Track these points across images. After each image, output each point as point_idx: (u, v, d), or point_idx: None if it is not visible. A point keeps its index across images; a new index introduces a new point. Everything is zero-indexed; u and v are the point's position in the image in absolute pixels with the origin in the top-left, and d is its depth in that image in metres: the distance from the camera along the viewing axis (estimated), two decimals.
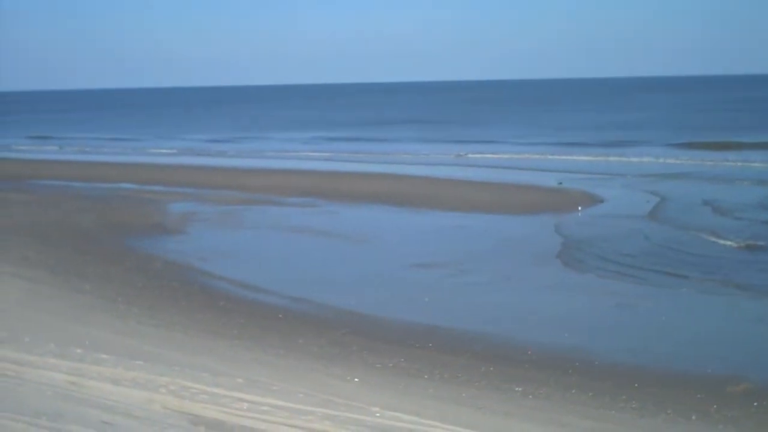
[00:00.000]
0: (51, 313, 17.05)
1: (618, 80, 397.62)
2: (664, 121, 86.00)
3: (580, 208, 31.75)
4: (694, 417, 12.46)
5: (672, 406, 12.81)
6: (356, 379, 13.66)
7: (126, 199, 35.35)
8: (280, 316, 17.83)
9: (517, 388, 13.55)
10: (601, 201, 33.37)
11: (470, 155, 56.42)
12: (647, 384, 13.78)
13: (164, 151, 66.72)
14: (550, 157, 53.85)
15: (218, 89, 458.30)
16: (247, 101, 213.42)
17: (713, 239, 25.47)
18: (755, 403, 12.95)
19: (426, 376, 14.04)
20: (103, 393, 11.56)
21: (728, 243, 24.92)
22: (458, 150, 60.32)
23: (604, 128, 77.07)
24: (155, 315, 17.43)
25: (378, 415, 11.46)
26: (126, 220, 29.57)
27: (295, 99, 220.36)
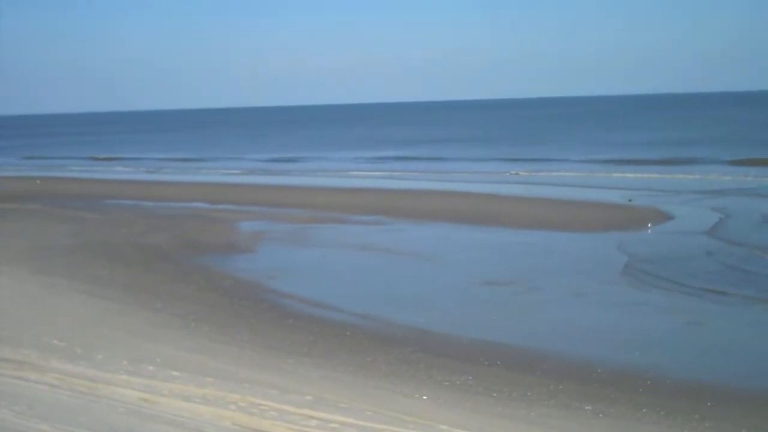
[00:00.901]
0: (124, 330, 17.32)
1: (665, 96, 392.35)
2: (721, 137, 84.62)
3: (649, 225, 31.37)
4: None
5: (747, 425, 12.59)
6: (424, 397, 13.65)
7: (197, 218, 35.78)
8: (348, 333, 17.89)
9: (587, 407, 13.42)
10: (671, 218, 32.93)
11: (533, 173, 56.04)
12: (721, 403, 13.56)
13: (231, 170, 67.40)
14: (614, 174, 53.24)
15: (271, 109, 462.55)
16: (305, 121, 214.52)
17: None
18: None
19: (494, 394, 13.97)
20: (174, 410, 11.72)
21: None
22: (521, 167, 60.12)
23: (661, 145, 76.02)
24: (225, 332, 17.60)
25: None
26: (197, 238, 29.93)
27: (352, 118, 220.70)
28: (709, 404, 13.47)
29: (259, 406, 12.14)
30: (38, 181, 57.25)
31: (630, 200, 38.15)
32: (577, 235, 30.00)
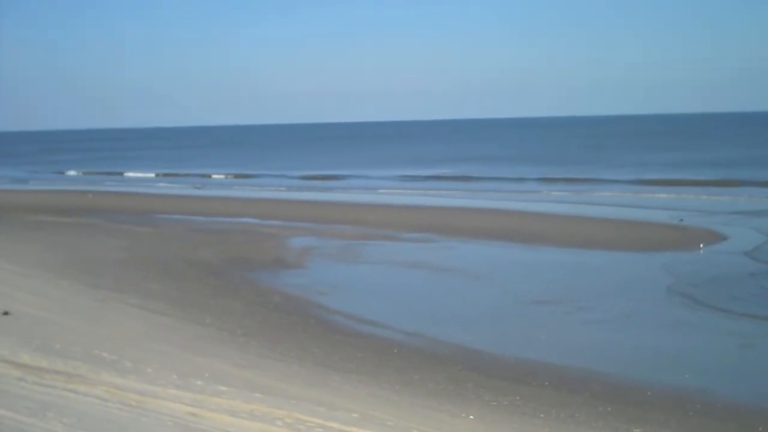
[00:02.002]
0: (173, 344, 17.46)
1: (704, 116, 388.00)
2: (763, 156, 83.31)
3: (702, 245, 31.01)
4: None
5: None
6: (471, 417, 13.60)
7: (246, 233, 36.03)
8: (396, 351, 17.89)
9: (635, 430, 13.30)
10: (723, 239, 32.54)
11: (580, 192, 55.61)
12: None
13: (278, 187, 67.83)
14: (660, 195, 52.65)
15: (299, 126, 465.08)
16: (338, 139, 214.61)
17: None
18: None
19: (542, 415, 13.88)
20: (221, 425, 11.77)
21: None
22: (567, 187, 59.88)
23: (705, 165, 74.88)
24: (274, 348, 17.68)
25: None
26: (246, 254, 30.13)
27: (384, 137, 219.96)
28: (760, 429, 13.28)
29: (306, 422, 12.16)
30: (90, 196, 58.03)
31: (681, 220, 37.75)
32: (627, 255, 29.75)
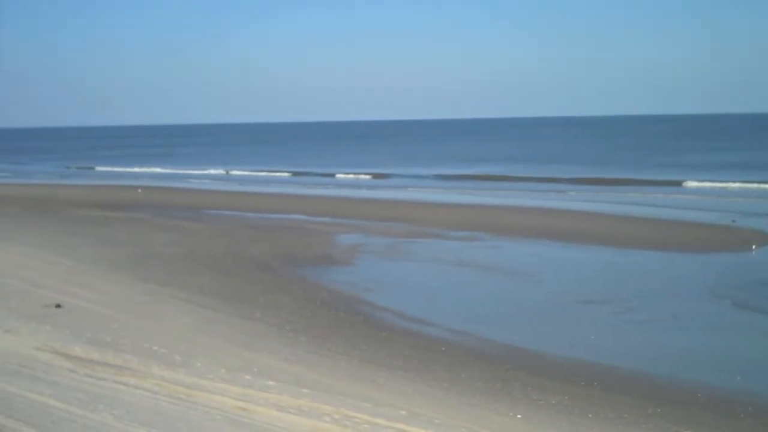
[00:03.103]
0: (222, 339, 17.59)
1: (739, 116, 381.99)
2: None
3: (754, 246, 30.60)
4: None
5: None
6: (519, 416, 13.54)
7: (295, 229, 36.17)
8: (443, 348, 17.86)
9: None
10: None
11: (628, 193, 55.06)
12: None
13: (325, 184, 68.06)
14: (710, 197, 51.88)
15: (334, 124, 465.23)
16: (377, 137, 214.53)
17: None
18: None
19: (590, 415, 13.79)
20: (269, 419, 11.84)
21: None
22: (616, 187, 59.40)
23: (753, 167, 73.57)
24: (322, 344, 17.74)
25: None
26: (295, 250, 30.25)
27: (416, 135, 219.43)
28: None
29: (353, 418, 12.19)
30: (139, 191, 58.64)
31: (733, 221, 37.26)
32: (677, 255, 29.42)
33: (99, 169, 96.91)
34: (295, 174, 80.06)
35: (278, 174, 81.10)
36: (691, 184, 60.25)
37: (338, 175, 76.94)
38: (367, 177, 74.78)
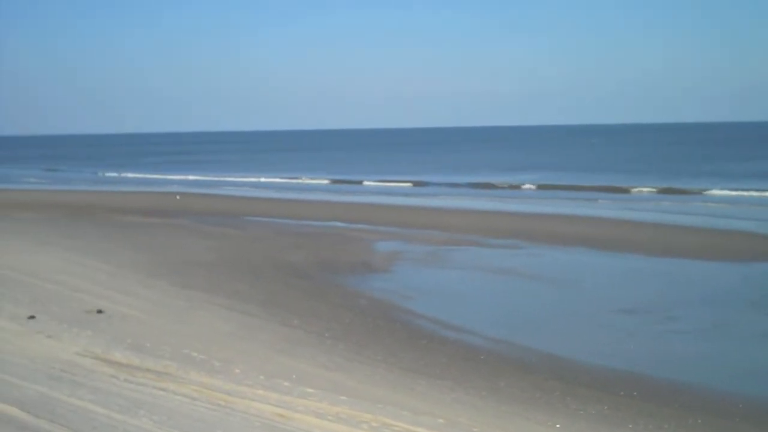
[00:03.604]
0: (261, 345, 17.65)
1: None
2: None
3: None
4: None
5: None
6: (558, 425, 13.46)
7: (333, 236, 36.23)
8: (482, 357, 17.80)
9: None
10: None
11: (670, 203, 54.53)
12: None
13: (364, 192, 68.10)
14: (748, 207, 51.20)
15: (371, 132, 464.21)
16: (414, 144, 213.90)
17: None
18: None
19: (630, 426, 13.68)
20: (308, 426, 11.85)
21: None
22: (659, 195, 58.97)
23: None
24: (360, 351, 17.74)
25: None
26: (333, 257, 30.29)
27: (468, 142, 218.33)
28: None
29: (392, 426, 12.17)
30: (178, 197, 59.03)
31: None
32: (718, 265, 29.13)
33: (130, 175, 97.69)
34: (333, 182, 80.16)
35: (316, 181, 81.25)
36: (716, 192, 59.57)
37: (376, 183, 76.92)
38: (408, 185, 74.64)
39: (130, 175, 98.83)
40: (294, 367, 15.84)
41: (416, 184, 75.12)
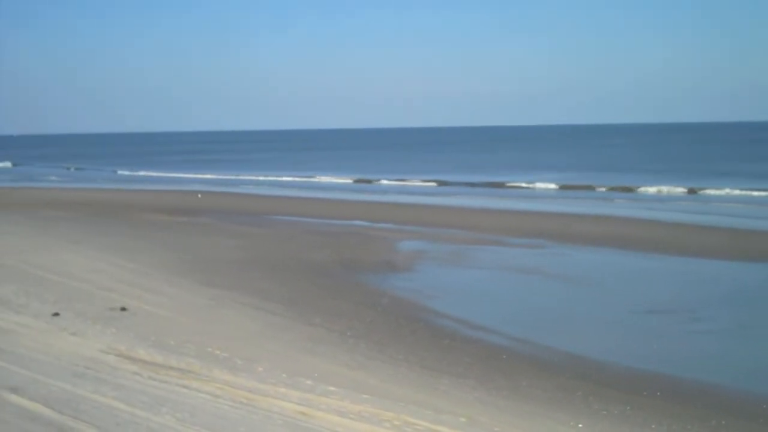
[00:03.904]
0: (283, 343, 17.71)
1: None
2: None
3: None
4: None
5: None
6: (580, 425, 13.43)
7: (357, 235, 36.27)
8: (505, 356, 17.79)
9: None
10: None
11: (691, 202, 54.16)
12: None
13: (387, 191, 68.10)
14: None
15: (387, 131, 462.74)
16: (439, 144, 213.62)
17: None
18: None
19: (653, 426, 13.63)
20: (329, 424, 11.89)
21: None
22: (680, 195, 58.72)
23: None
24: (382, 350, 17.77)
25: None
26: (357, 256, 30.34)
27: (485, 142, 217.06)
28: None
29: (413, 425, 12.19)
30: (199, 196, 59.31)
31: None
32: (743, 265, 28.94)
33: (149, 174, 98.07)
34: (357, 181, 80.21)
35: (339, 180, 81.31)
36: (737, 192, 58.87)
37: (397, 182, 76.90)
38: (431, 184, 74.57)
39: (147, 173, 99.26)
40: (316, 365, 15.89)
41: (440, 183, 75.05)
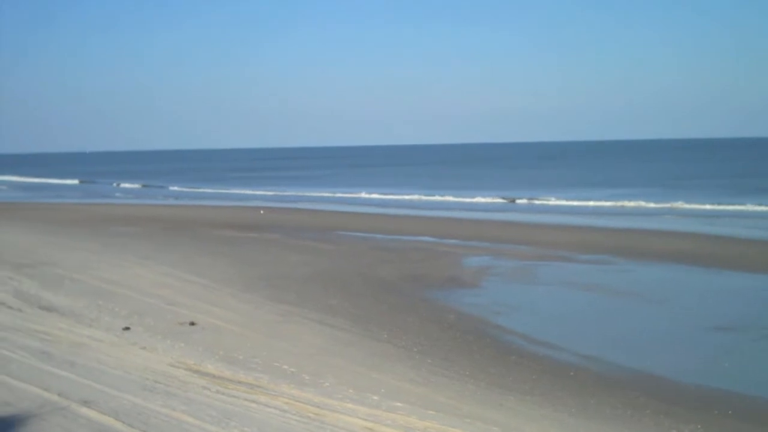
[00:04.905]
0: (350, 359, 17.77)
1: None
2: None
3: None
4: None
5: None
6: None
7: (423, 251, 36.26)
8: (572, 373, 17.64)
9: None
10: None
11: (757, 219, 53.03)
12: None
13: (453, 208, 67.91)
14: None
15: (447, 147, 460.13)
16: (493, 160, 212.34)
17: None
18: None
19: None
20: None
21: None
22: (745, 211, 57.65)
23: None
24: (448, 366, 17.74)
25: None
26: (423, 271, 30.33)
27: (540, 159, 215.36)
28: None
29: None
30: (261, 212, 59.80)
31: None
32: None
33: (208, 190, 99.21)
34: (425, 196, 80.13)
35: (407, 197, 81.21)
36: None
37: (462, 199, 76.59)
38: (502, 201, 74.09)
39: (203, 189, 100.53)
40: (382, 381, 15.91)
41: (508, 199, 74.57)
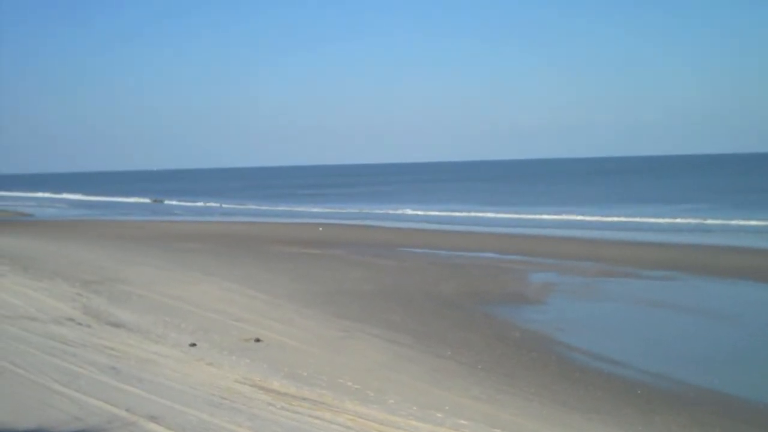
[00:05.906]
0: (413, 376, 17.75)
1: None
2: None
3: None
4: None
5: None
6: None
7: (486, 267, 36.13)
8: (639, 391, 17.43)
9: None
10: None
11: None
12: None
13: (513, 225, 67.58)
14: None
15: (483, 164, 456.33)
16: (543, 176, 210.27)
17: None
18: None
19: None
20: None
21: None
22: None
23: None
24: (513, 383, 17.64)
25: None
26: (486, 288, 30.22)
27: (595, 174, 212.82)
28: None
29: None
30: (320, 229, 60.09)
31: None
32: None
33: (258, 208, 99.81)
34: (485, 212, 79.82)
35: (467, 214, 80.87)
36: None
37: (527, 216, 76.08)
38: (562, 217, 73.35)
39: (258, 206, 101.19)
40: (446, 398, 15.87)
41: (567, 214, 73.89)
